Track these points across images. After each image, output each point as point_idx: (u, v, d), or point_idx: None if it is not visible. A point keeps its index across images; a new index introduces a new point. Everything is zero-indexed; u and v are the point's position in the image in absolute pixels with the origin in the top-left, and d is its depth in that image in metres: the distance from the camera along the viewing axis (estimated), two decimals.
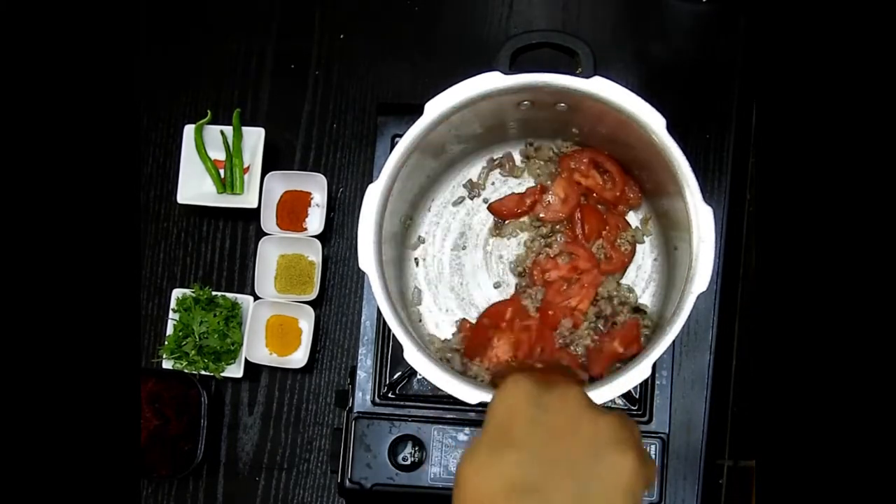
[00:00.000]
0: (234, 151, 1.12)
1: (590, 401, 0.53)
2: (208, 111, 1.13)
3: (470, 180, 0.98)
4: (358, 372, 0.95)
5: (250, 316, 1.09)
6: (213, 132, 1.12)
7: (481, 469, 0.51)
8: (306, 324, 1.10)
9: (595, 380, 0.91)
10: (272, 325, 1.10)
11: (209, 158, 1.12)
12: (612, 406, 0.58)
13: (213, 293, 1.10)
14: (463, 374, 0.93)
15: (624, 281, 0.95)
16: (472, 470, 0.51)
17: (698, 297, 0.80)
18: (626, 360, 0.91)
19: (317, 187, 1.12)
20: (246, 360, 1.09)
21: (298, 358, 1.09)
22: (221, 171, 1.13)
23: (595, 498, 0.49)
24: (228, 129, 1.12)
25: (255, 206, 1.10)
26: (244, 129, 1.12)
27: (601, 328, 0.92)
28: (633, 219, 0.96)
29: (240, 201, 1.11)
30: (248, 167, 1.12)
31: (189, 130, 1.12)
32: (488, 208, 0.97)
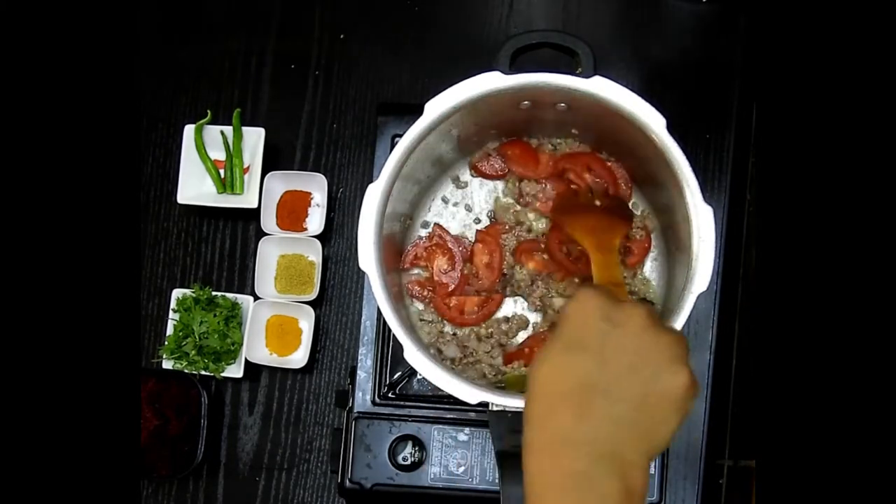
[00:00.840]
0: (234, 151, 1.12)
1: (653, 319, 0.58)
2: (208, 111, 1.13)
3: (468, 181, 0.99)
4: (358, 372, 0.95)
5: (250, 316, 1.09)
6: (213, 132, 1.12)
7: (557, 367, 0.57)
8: (306, 324, 1.10)
9: None
10: (272, 326, 1.10)
11: (209, 158, 1.12)
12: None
13: (214, 293, 1.10)
14: (461, 360, 0.93)
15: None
16: (548, 367, 0.58)
17: (698, 297, 0.80)
18: None
19: (317, 187, 1.12)
20: (246, 361, 1.09)
21: (298, 358, 1.09)
22: (221, 171, 1.13)
23: (654, 405, 0.56)
24: (228, 129, 1.12)
25: (255, 206, 1.10)
26: (244, 129, 1.12)
27: None
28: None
29: (240, 201, 1.11)
30: (248, 167, 1.12)
31: (189, 130, 1.12)
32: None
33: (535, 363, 0.59)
